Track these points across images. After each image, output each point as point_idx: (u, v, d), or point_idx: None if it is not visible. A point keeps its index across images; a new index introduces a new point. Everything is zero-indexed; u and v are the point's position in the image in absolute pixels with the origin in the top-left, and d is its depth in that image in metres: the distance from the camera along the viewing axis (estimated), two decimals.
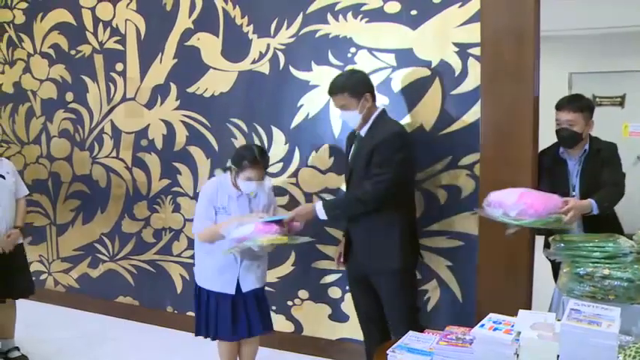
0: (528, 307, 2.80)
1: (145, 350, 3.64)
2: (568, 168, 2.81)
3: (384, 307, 2.74)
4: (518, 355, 1.64)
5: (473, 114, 2.93)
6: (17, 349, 3.46)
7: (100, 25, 4.05)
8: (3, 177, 3.34)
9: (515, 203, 2.21)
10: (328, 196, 3.32)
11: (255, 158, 2.71)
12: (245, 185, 2.75)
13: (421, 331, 2.07)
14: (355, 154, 2.70)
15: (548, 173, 2.85)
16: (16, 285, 3.34)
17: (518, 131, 2.82)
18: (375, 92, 2.71)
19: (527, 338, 1.63)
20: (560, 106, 2.76)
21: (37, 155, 4.43)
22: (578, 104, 2.72)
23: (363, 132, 2.66)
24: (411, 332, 2.03)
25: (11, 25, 4.46)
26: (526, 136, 2.81)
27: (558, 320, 1.73)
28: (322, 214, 2.62)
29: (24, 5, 4.37)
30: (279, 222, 2.62)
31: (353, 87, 2.61)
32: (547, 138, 2.91)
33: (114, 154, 4.10)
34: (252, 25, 3.48)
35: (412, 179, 2.83)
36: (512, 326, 1.71)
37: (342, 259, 2.88)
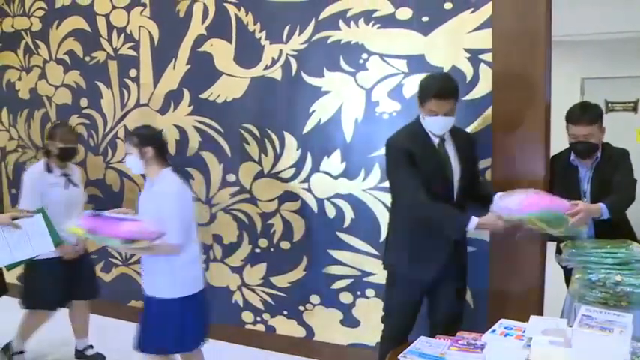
0: (540, 313, 2.79)
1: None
2: (579, 175, 2.80)
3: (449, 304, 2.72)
4: None
5: (484, 120, 2.93)
6: (91, 346, 3.57)
7: (115, 31, 4.10)
8: (77, 185, 3.40)
9: (520, 203, 2.21)
10: (340, 202, 3.34)
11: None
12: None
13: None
14: (457, 156, 2.59)
15: (559, 179, 2.85)
16: (84, 288, 3.46)
17: (530, 136, 2.83)
18: None
19: (538, 344, 1.64)
20: (573, 120, 2.70)
21: None
22: (592, 116, 2.68)
23: (445, 135, 2.58)
24: (422, 337, 2.04)
25: (28, 33, 4.53)
26: (538, 141, 2.81)
27: (570, 326, 1.73)
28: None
29: (41, 13, 4.44)
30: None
31: (457, 92, 2.54)
32: (559, 143, 2.90)
33: None
34: (264, 32, 3.51)
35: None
36: (524, 332, 1.72)
37: None
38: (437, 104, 2.44)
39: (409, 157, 2.49)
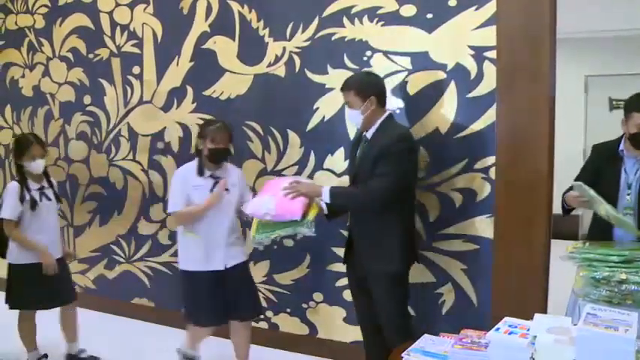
0: (544, 311, 2.78)
1: (164, 351, 3.68)
2: (624, 166, 2.65)
3: (377, 310, 2.77)
4: None
5: (488, 117, 2.92)
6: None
7: (118, 28, 4.10)
8: (227, 189, 3.03)
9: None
10: None
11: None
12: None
13: (412, 338, 2.06)
14: (361, 156, 2.73)
15: (598, 169, 2.72)
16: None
17: (534, 134, 2.81)
18: (386, 97, 2.75)
19: (543, 342, 1.62)
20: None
21: (56, 157, 4.49)
22: None
23: (369, 134, 2.70)
24: (426, 335, 2.03)
25: (31, 30, 4.53)
26: (542, 139, 2.80)
27: (575, 325, 1.72)
28: (326, 197, 2.68)
29: (44, 10, 4.44)
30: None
31: (360, 87, 2.67)
32: (565, 140, 2.89)
33: (130, 156, 4.14)
34: (267, 29, 3.50)
35: (414, 184, 2.84)
36: (528, 330, 1.70)
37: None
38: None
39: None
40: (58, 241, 3.41)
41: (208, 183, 2.98)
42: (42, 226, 3.27)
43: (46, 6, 4.43)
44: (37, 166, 3.25)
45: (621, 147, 2.67)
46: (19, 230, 3.22)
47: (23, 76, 4.63)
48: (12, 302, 3.28)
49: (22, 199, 3.19)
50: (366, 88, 2.67)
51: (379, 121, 2.68)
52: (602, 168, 2.72)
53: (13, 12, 4.62)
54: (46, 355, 3.45)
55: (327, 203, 2.73)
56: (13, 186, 3.23)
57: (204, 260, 2.96)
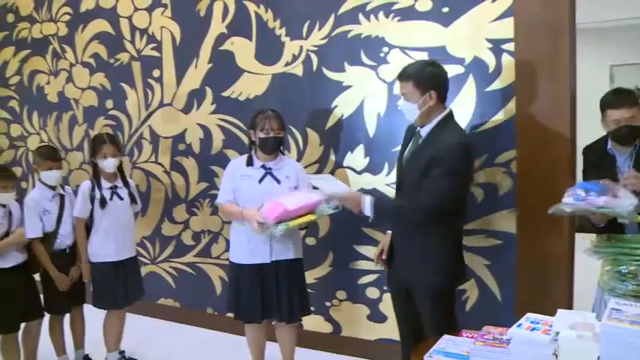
0: (569, 306, 2.74)
1: (191, 352, 3.73)
2: (617, 164, 2.69)
3: (423, 323, 2.55)
4: (557, 356, 1.60)
5: (508, 110, 2.88)
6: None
7: (137, 33, 4.15)
8: (278, 181, 2.96)
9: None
10: None
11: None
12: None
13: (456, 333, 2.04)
14: (412, 155, 2.46)
15: (594, 169, 2.72)
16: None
17: (555, 127, 2.77)
18: (447, 92, 2.46)
19: (565, 338, 1.59)
20: (613, 104, 2.49)
21: (80, 161, 4.57)
22: (633, 98, 2.47)
23: (424, 132, 2.42)
24: (446, 336, 2.00)
25: (55, 38, 4.62)
26: (564, 131, 2.75)
27: (599, 320, 1.68)
28: (369, 212, 2.42)
29: (67, 18, 4.52)
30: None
31: (420, 78, 2.36)
32: (589, 132, 2.82)
33: (153, 158, 4.19)
34: (284, 28, 3.51)
35: (467, 194, 2.61)
36: (551, 326, 1.67)
37: (383, 257, 2.68)
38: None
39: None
40: (128, 241, 3.39)
41: (258, 173, 2.93)
42: (112, 225, 3.26)
43: (68, 13, 4.51)
44: (107, 164, 3.24)
45: (609, 145, 2.62)
46: (82, 229, 3.25)
47: (48, 82, 4.72)
48: (93, 301, 3.33)
49: (92, 198, 3.22)
50: (427, 80, 2.36)
51: (438, 119, 2.39)
52: (596, 169, 2.64)
53: (39, 21, 4.72)
54: (123, 353, 3.51)
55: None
56: (85, 184, 3.27)
57: (250, 253, 2.92)
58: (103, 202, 3.22)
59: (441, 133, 2.36)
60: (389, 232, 2.67)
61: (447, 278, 2.45)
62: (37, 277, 3.29)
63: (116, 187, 3.31)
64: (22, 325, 3.18)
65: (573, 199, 2.07)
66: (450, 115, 2.43)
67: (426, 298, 2.45)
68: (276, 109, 2.96)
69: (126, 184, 3.37)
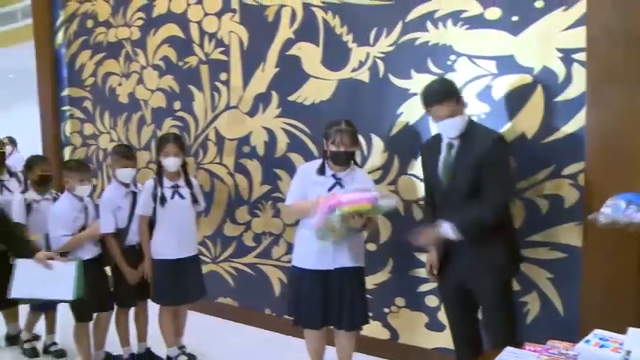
0: (638, 325, 2.64)
1: (250, 352, 3.79)
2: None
3: (485, 318, 2.67)
4: None
5: (577, 121, 2.81)
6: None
7: (206, 37, 4.27)
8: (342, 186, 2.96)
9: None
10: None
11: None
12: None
13: (518, 346, 2.00)
14: (454, 165, 2.59)
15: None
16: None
17: (628, 139, 2.67)
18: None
19: (638, 359, 1.55)
20: None
21: (147, 160, 4.73)
22: None
23: (455, 140, 2.59)
24: (508, 348, 1.97)
25: (128, 41, 4.81)
26: (636, 144, 2.65)
27: None
28: (456, 234, 2.50)
29: (140, 22, 4.70)
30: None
31: (458, 92, 2.60)
32: None
33: (217, 159, 4.30)
34: (351, 34, 3.54)
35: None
36: (621, 344, 1.63)
37: (434, 272, 2.78)
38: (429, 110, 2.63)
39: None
40: (190, 240, 3.46)
41: (328, 181, 2.93)
42: (173, 224, 3.34)
43: (141, 18, 4.69)
44: (169, 163, 3.32)
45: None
46: (145, 227, 3.36)
47: (120, 84, 4.92)
48: (152, 297, 3.44)
49: (154, 196, 3.32)
50: (458, 92, 2.61)
51: (465, 123, 2.59)
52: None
53: (114, 26, 4.93)
54: (183, 348, 3.60)
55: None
56: (148, 183, 3.39)
57: (313, 259, 2.93)
58: (163, 200, 3.31)
59: (473, 133, 2.56)
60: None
61: (509, 272, 2.65)
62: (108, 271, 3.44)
63: (178, 186, 3.39)
64: (94, 315, 3.33)
65: (611, 210, 2.01)
66: (470, 118, 2.65)
67: (491, 295, 2.58)
68: (341, 115, 2.99)
69: (188, 184, 3.44)
